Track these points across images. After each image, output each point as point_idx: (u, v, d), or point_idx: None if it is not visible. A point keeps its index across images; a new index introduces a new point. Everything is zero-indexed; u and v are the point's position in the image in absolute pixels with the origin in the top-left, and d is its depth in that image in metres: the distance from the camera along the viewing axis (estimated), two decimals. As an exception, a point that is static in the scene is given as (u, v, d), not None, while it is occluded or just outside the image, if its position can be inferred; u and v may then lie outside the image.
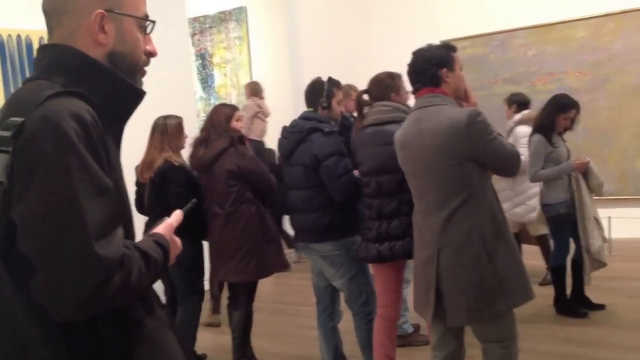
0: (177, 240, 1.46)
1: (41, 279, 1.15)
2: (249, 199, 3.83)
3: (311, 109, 3.67)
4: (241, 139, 3.94)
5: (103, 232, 1.17)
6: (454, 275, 2.57)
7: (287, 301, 5.78)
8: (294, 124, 3.67)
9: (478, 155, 2.53)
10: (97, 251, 1.14)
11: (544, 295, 4.74)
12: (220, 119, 3.90)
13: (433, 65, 2.66)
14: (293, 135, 3.60)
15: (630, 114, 7.17)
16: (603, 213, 4.77)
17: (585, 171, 4.58)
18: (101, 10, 1.32)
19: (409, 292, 4.36)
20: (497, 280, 2.53)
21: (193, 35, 9.45)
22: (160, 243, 1.36)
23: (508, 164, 2.63)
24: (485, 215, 2.55)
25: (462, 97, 2.76)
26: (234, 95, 9.57)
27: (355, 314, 3.68)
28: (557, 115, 4.62)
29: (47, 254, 1.15)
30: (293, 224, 3.76)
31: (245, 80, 9.16)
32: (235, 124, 3.91)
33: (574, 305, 4.74)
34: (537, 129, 4.66)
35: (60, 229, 1.14)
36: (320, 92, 3.65)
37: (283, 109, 7.03)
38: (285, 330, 4.98)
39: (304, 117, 3.66)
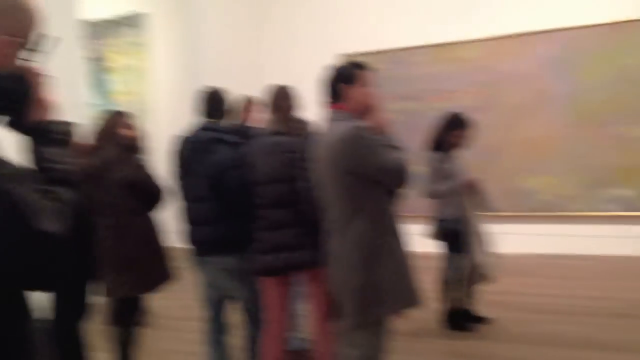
0: None
1: None
2: (134, 209, 3.65)
3: (212, 120, 3.58)
4: (130, 148, 3.76)
5: None
6: (342, 280, 2.69)
7: (173, 316, 5.59)
8: (194, 134, 3.56)
9: (360, 170, 2.62)
10: None
11: (432, 309, 4.85)
12: (109, 126, 3.71)
13: (337, 81, 2.77)
14: (194, 145, 3.49)
15: (517, 133, 7.53)
16: (491, 229, 4.93)
17: (475, 188, 4.73)
18: None
19: (300, 306, 4.34)
20: (380, 287, 2.63)
21: (88, 39, 9.03)
22: None
23: (390, 178, 2.68)
24: (372, 225, 2.64)
25: (367, 112, 2.80)
26: (129, 102, 9.23)
27: (252, 327, 3.63)
28: (451, 132, 4.75)
29: None
30: (191, 237, 3.63)
31: (143, 87, 8.86)
32: (124, 131, 3.73)
33: (461, 318, 4.87)
34: (432, 146, 4.77)
35: None
36: (221, 102, 3.60)
37: (181, 118, 6.84)
38: (170, 347, 4.80)
39: (205, 128, 3.56)
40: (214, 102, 3.62)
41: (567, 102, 7.30)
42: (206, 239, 3.50)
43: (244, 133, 3.72)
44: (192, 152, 3.50)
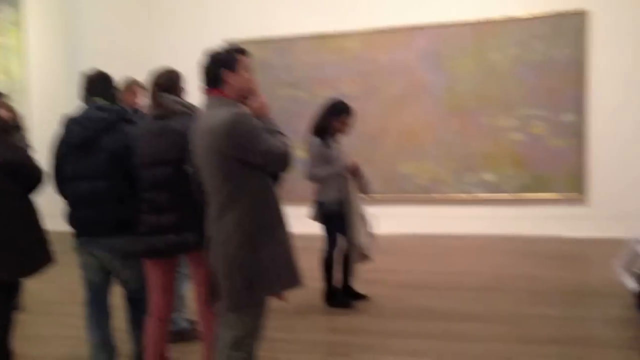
0: None
1: None
2: (12, 191, 3.54)
3: (103, 100, 3.54)
4: (6, 128, 3.63)
5: None
6: (220, 263, 2.72)
7: (52, 300, 5.45)
8: (88, 113, 3.49)
9: (242, 155, 2.65)
10: None
11: (315, 288, 5.06)
12: None
13: (216, 67, 2.75)
14: (91, 124, 3.44)
15: (394, 121, 7.91)
16: (370, 211, 5.20)
17: (355, 172, 4.98)
18: None
19: (185, 288, 4.38)
20: (259, 269, 2.69)
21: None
22: None
23: (273, 163, 2.75)
24: (252, 209, 2.69)
25: (247, 98, 2.86)
26: (5, 83, 8.75)
27: (136, 309, 3.61)
28: (333, 118, 4.95)
29: None
30: (77, 218, 3.55)
31: (19, 67, 8.43)
32: (0, 112, 3.60)
33: (341, 296, 5.11)
34: (314, 132, 4.95)
35: None
36: (111, 83, 3.59)
37: (59, 99, 6.62)
38: (50, 332, 4.70)
39: (99, 108, 3.50)
40: (103, 83, 3.58)
41: (440, 93, 7.75)
42: (95, 220, 3.44)
43: (132, 115, 3.70)
44: (92, 131, 3.44)
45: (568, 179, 7.32)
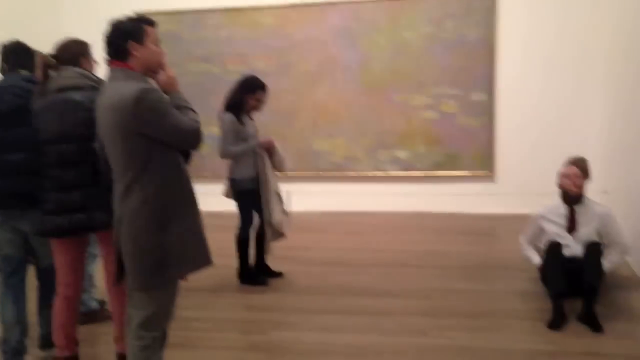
0: None
1: None
2: None
3: (27, 72, 3.45)
4: None
5: None
6: (128, 243, 2.62)
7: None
8: (17, 83, 3.36)
9: (149, 132, 2.53)
10: None
11: (229, 266, 4.98)
12: None
13: (121, 38, 2.59)
14: (23, 93, 3.31)
15: (309, 98, 7.86)
16: (284, 188, 5.15)
17: (269, 149, 4.91)
18: None
19: (95, 268, 4.23)
20: (168, 249, 2.60)
21: None
22: None
23: (182, 140, 2.64)
24: (159, 187, 2.59)
25: (155, 71, 2.73)
26: None
27: (46, 289, 3.55)
28: (246, 95, 4.84)
29: None
30: (2, 189, 3.37)
31: None
32: None
33: (256, 274, 5.06)
34: (227, 108, 4.82)
35: None
36: (30, 55, 3.46)
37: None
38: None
39: (26, 79, 3.38)
40: (25, 54, 3.46)
41: (354, 70, 7.75)
42: (23, 192, 3.32)
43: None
44: (25, 99, 3.29)
45: (478, 156, 7.52)
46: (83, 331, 3.71)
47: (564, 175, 4.62)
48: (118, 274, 2.77)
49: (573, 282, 4.17)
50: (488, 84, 7.39)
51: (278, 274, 5.17)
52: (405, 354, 3.66)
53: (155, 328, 2.72)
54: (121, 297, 3.19)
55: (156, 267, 2.61)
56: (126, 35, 2.59)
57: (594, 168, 4.88)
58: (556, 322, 3.97)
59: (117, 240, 2.69)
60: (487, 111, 7.43)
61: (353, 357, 3.64)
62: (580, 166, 4.64)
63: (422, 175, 7.65)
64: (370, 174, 7.80)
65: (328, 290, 4.84)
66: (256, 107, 4.95)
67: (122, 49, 2.60)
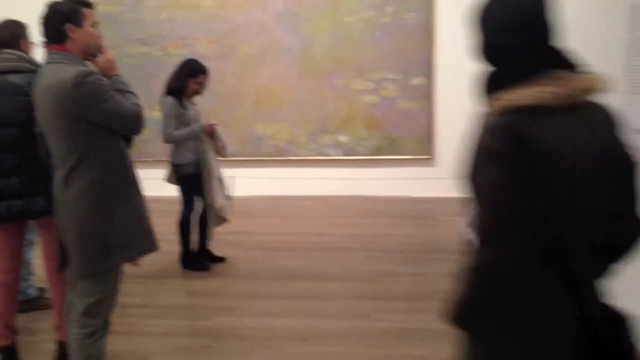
0: None
1: None
2: None
3: None
4: None
5: None
6: (71, 229, 2.58)
7: None
8: None
9: (90, 116, 2.48)
10: None
11: (171, 251, 4.94)
12: None
13: (59, 20, 2.53)
14: None
15: (251, 83, 7.81)
16: (227, 173, 5.13)
17: (211, 133, 4.87)
18: None
19: (32, 255, 4.14)
20: (112, 234, 2.58)
21: None
22: None
23: (123, 124, 2.61)
24: (102, 172, 2.56)
25: (93, 54, 2.68)
26: None
27: None
28: (188, 79, 4.79)
29: None
30: None
31: None
32: None
33: (198, 259, 5.04)
34: (168, 92, 4.76)
35: None
36: None
37: None
38: None
39: None
40: None
41: (297, 54, 7.74)
42: None
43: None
44: None
45: (418, 140, 7.64)
46: (22, 320, 3.64)
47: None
48: (61, 262, 2.73)
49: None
50: (427, 68, 7.50)
51: (221, 259, 5.16)
52: (348, 337, 3.73)
53: (99, 316, 2.70)
54: (62, 285, 3.14)
55: (101, 253, 2.58)
56: (63, 18, 2.54)
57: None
58: (492, 302, 4.10)
59: (59, 227, 2.65)
60: (426, 95, 7.55)
61: (296, 341, 3.69)
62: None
63: (364, 159, 7.73)
64: (312, 158, 7.83)
65: (271, 275, 4.86)
66: (198, 91, 4.91)
67: (59, 32, 2.54)
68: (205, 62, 4.95)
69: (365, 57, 7.62)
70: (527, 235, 1.44)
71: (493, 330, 1.56)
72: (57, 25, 2.53)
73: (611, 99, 4.11)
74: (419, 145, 7.63)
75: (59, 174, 2.60)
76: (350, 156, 7.76)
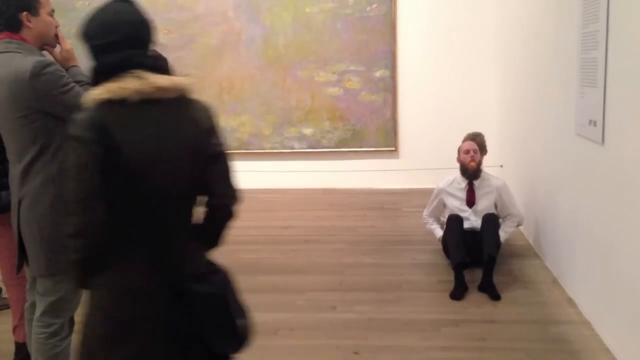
0: None
1: None
2: None
3: None
4: None
5: None
6: (31, 226, 2.50)
7: None
8: None
9: (48, 107, 2.41)
10: None
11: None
12: None
13: (13, 8, 2.44)
14: None
15: (212, 74, 7.71)
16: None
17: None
18: None
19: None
20: None
21: None
22: None
23: None
24: (62, 167, 2.46)
25: (50, 43, 2.59)
26: None
27: None
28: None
29: None
30: None
31: None
32: None
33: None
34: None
35: None
36: None
37: None
38: None
39: None
40: None
41: (259, 45, 7.66)
42: None
43: None
44: None
45: (382, 132, 7.64)
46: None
47: (462, 151, 4.80)
48: (19, 260, 2.64)
49: (473, 253, 4.36)
50: (390, 60, 7.51)
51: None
52: (316, 330, 3.72)
53: (62, 314, 2.64)
54: (21, 285, 3.06)
55: (62, 250, 2.50)
56: (19, 5, 2.45)
57: (490, 143, 5.11)
58: (458, 292, 4.15)
59: (17, 224, 2.56)
60: (389, 87, 7.56)
61: (265, 335, 3.64)
62: (478, 142, 4.84)
63: (329, 151, 7.71)
64: (277, 151, 7.78)
65: (237, 269, 4.74)
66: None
67: (15, 20, 2.46)
68: (164, 53, 4.82)
69: (327, 48, 7.58)
70: (100, 207, 1.68)
71: (97, 287, 1.79)
72: (12, 13, 2.44)
73: (565, 91, 4.17)
74: (383, 138, 7.64)
75: (16, 169, 2.51)
76: (314, 149, 7.73)
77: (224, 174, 1.93)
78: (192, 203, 1.91)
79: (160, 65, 1.84)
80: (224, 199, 1.94)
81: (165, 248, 1.78)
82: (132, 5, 1.85)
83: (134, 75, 1.73)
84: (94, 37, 1.79)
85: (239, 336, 1.93)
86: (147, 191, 1.74)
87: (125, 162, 1.68)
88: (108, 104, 1.70)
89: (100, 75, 1.75)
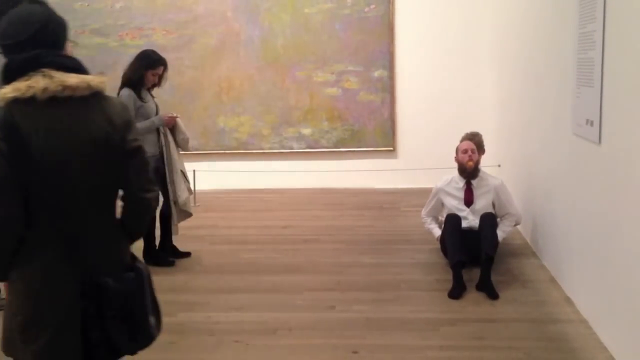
0: None
1: None
2: None
3: None
4: None
5: None
6: None
7: None
8: None
9: None
10: None
11: (133, 247, 4.85)
12: None
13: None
14: None
15: (212, 74, 7.72)
16: (189, 167, 5.07)
17: (173, 127, 4.80)
18: None
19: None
20: None
21: None
22: None
23: None
24: None
25: None
26: None
27: None
28: (146, 70, 4.69)
29: None
30: None
31: None
32: None
33: (162, 255, 4.97)
34: (126, 84, 4.66)
35: None
36: None
37: None
38: None
39: None
40: None
41: (257, 45, 7.67)
42: None
43: None
44: None
45: (380, 132, 7.66)
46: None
47: (460, 151, 4.82)
48: None
49: (471, 252, 4.38)
50: (388, 60, 7.52)
51: (186, 254, 5.10)
52: (315, 329, 3.73)
53: None
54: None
55: None
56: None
57: (488, 142, 5.12)
58: (456, 292, 4.16)
59: None
60: (387, 87, 7.58)
61: (264, 334, 3.67)
62: (475, 141, 4.86)
63: (327, 151, 7.72)
64: (276, 151, 7.80)
65: (237, 269, 4.83)
66: (156, 83, 4.82)
67: None
68: (163, 54, 4.87)
69: (326, 49, 7.60)
70: (13, 201, 1.75)
71: (13, 279, 1.86)
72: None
73: (562, 91, 4.18)
74: (381, 138, 7.66)
75: None
76: (313, 149, 7.75)
77: (140, 168, 2.01)
78: (109, 198, 1.98)
79: (71, 64, 1.88)
80: (140, 192, 2.00)
81: (78, 242, 1.86)
82: (43, 5, 1.92)
83: (43, 73, 1.78)
84: (5, 36, 1.85)
85: (147, 334, 2.01)
86: (58, 186, 1.81)
87: (35, 159, 1.75)
88: (16, 102, 1.76)
89: (9, 74, 1.80)
